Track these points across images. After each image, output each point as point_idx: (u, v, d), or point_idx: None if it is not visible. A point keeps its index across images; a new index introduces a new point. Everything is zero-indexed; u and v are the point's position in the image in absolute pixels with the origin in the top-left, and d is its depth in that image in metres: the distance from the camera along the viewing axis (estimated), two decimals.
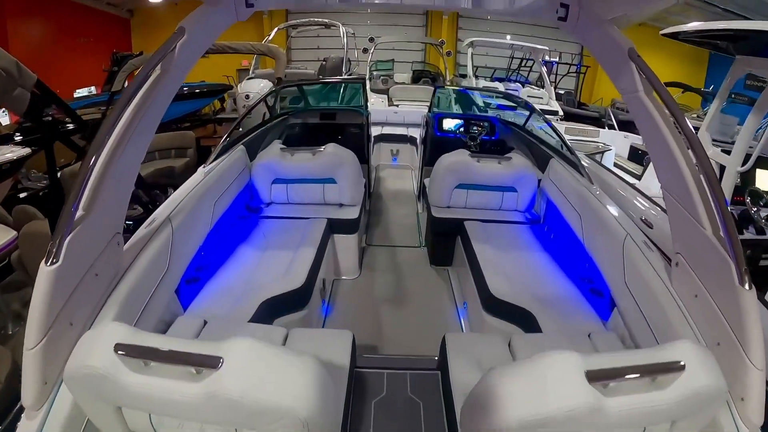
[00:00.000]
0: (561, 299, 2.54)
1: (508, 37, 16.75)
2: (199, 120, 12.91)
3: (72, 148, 4.46)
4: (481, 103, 6.17)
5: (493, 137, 4.60)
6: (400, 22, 17.52)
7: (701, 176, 1.68)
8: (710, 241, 1.63)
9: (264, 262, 2.86)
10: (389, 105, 9.33)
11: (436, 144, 4.71)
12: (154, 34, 17.86)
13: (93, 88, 11.06)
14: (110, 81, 10.70)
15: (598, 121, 10.65)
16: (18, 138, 4.21)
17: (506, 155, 3.67)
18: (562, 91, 14.30)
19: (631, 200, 3.14)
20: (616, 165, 5.97)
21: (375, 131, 6.37)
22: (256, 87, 6.76)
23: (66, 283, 1.46)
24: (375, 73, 12.17)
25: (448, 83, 10.78)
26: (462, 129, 4.62)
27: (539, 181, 3.66)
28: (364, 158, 4.60)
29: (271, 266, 2.78)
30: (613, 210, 2.61)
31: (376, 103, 9.31)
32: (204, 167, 2.96)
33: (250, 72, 10.15)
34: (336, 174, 3.56)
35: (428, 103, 9.89)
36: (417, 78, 12.27)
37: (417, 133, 6.29)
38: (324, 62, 11.41)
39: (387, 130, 6.66)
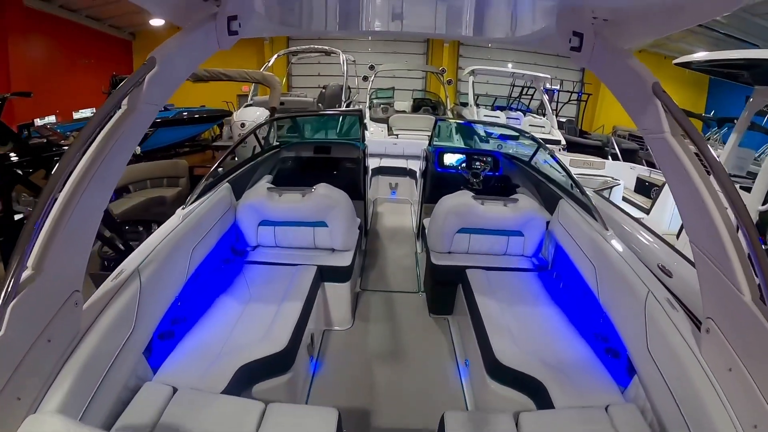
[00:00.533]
0: (573, 363, 2.26)
1: (510, 65, 16.80)
2: (199, 146, 12.82)
3: (32, 189, 4.19)
4: (483, 135, 5.95)
5: (496, 173, 4.35)
6: (401, 50, 17.59)
7: (739, 234, 1.45)
8: (749, 308, 1.41)
9: (245, 317, 2.58)
10: (389, 134, 9.17)
11: (436, 180, 4.45)
12: None
13: (93, 110, 10.99)
14: None
15: (602, 150, 10.49)
16: None
17: (512, 196, 3.40)
18: (563, 119, 14.23)
19: (645, 243, 2.88)
20: (623, 198, 5.73)
21: (373, 163, 6.18)
22: (252, 115, 6.59)
23: (12, 353, 1.31)
24: (375, 101, 12.10)
25: (449, 112, 10.66)
26: (464, 164, 4.36)
27: (547, 223, 3.41)
28: (360, 194, 4.37)
29: (253, 322, 2.51)
30: (631, 261, 2.34)
31: (375, 133, 9.15)
32: (183, 208, 2.68)
33: (249, 99, 10.06)
34: (327, 217, 3.27)
35: (429, 133, 9.83)
36: (417, 106, 12.18)
37: (417, 166, 6.09)
38: (323, 90, 11.32)
39: (386, 162, 6.46)
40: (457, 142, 5.79)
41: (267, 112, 6.77)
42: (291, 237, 3.33)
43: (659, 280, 2.19)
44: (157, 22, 16.46)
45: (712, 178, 1.56)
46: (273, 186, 3.43)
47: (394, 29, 2.37)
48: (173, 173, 6.16)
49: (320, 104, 10.77)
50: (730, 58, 3.25)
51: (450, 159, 4.43)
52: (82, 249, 1.65)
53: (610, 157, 9.46)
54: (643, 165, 10.23)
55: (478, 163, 4.31)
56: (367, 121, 9.30)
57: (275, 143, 4.62)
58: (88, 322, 1.69)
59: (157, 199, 5.77)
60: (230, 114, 10.29)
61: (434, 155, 4.45)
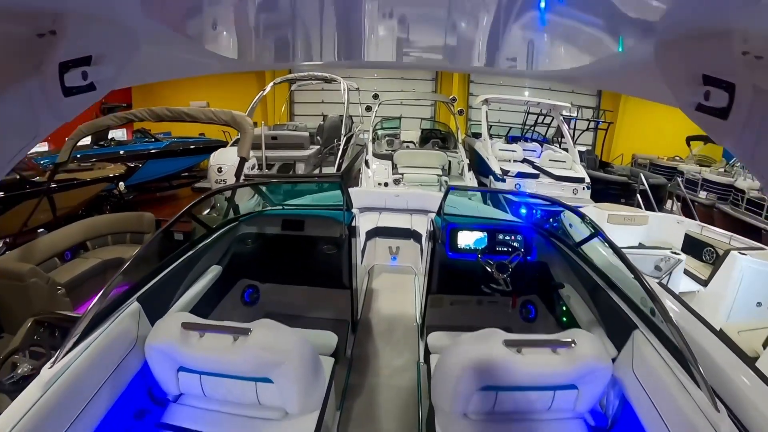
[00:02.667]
0: None
1: (527, 93, 15.93)
2: (195, 178, 12.09)
3: None
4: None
5: (528, 257, 3.23)
6: (408, 76, 16.83)
7: None
8: None
9: None
10: (393, 172, 8.26)
11: (447, 269, 3.37)
12: (153, 83, 17.42)
13: (89, 139, 10.22)
14: (101, 132, 9.97)
15: (628, 187, 9.45)
16: None
17: (566, 336, 2.05)
18: (582, 149, 13.23)
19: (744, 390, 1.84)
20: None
21: (370, 221, 5.28)
22: (232, 158, 5.68)
23: None
24: (380, 131, 11.23)
25: (460, 144, 9.75)
26: (485, 247, 3.29)
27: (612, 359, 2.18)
28: (345, 283, 3.43)
29: None
30: None
31: (378, 171, 8.25)
32: (50, 366, 1.67)
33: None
34: (272, 374, 2.03)
35: (437, 172, 8.93)
36: (426, 138, 11.31)
37: (423, 226, 5.15)
38: (322, 121, 10.49)
39: (386, 219, 5.54)
40: (473, 206, 4.82)
41: (251, 153, 5.89)
42: (225, 390, 2.14)
43: None
44: None
45: None
46: (191, 321, 2.09)
47: (384, 59, 1.92)
48: (137, 228, 5.28)
49: (318, 137, 9.93)
50: None
51: (466, 239, 3.34)
52: None
53: (638, 195, 8.45)
54: (675, 201, 9.26)
55: (504, 246, 3.26)
56: (369, 157, 8.41)
57: (223, 221, 3.56)
58: None
59: (114, 261, 4.87)
60: (226, 145, 9.45)
61: (445, 233, 3.36)
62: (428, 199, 5.65)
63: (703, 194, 12.05)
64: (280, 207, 3.86)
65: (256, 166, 5.98)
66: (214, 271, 2.93)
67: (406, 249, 5.08)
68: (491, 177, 7.36)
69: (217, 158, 5.55)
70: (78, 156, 8.96)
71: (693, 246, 5.32)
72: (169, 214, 5.18)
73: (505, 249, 3.23)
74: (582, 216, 2.92)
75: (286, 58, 1.98)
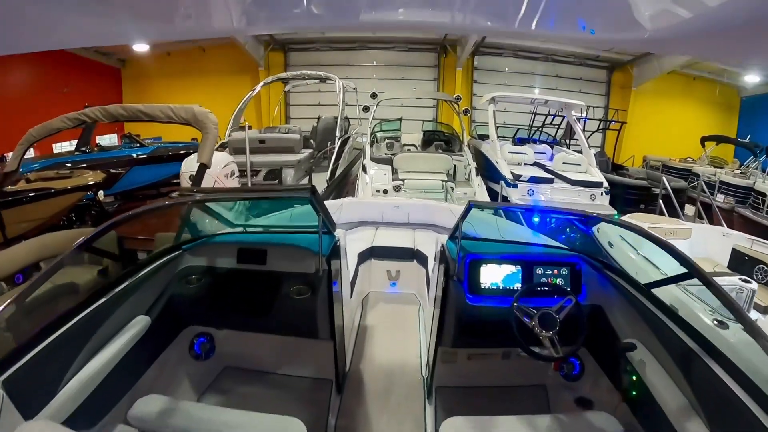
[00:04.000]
0: None
1: (537, 91, 15.22)
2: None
3: None
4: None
5: (579, 295, 2.37)
6: (408, 76, 16.12)
7: None
8: None
9: None
10: (393, 178, 7.53)
11: (465, 319, 2.45)
12: (145, 84, 17.03)
13: (74, 143, 9.83)
14: (85, 138, 9.28)
15: (648, 192, 8.71)
16: None
17: None
18: (593, 151, 12.44)
19: None
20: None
21: (363, 241, 4.50)
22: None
23: None
24: (379, 134, 10.50)
25: (466, 147, 9.02)
26: (519, 286, 2.41)
27: None
28: (326, 334, 2.60)
29: None
30: None
31: (376, 177, 7.52)
32: None
33: (227, 133, 8.46)
34: None
35: (442, 177, 7.86)
36: (429, 141, 10.56)
37: (428, 245, 4.38)
38: (315, 123, 9.77)
39: (384, 237, 4.71)
40: (492, 222, 3.93)
41: (229, 158, 5.16)
42: None
43: None
44: (140, 47, 15.34)
45: None
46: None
47: (389, 18, 1.31)
48: (98, 246, 4.52)
49: (312, 140, 9.21)
50: None
51: (493, 275, 2.42)
52: None
53: (660, 201, 7.72)
54: (697, 207, 8.52)
55: (546, 285, 2.37)
56: (366, 161, 7.69)
57: (173, 243, 2.77)
58: None
59: (67, 287, 4.12)
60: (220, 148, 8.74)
61: (463, 267, 2.43)
62: (434, 211, 4.91)
63: (720, 197, 11.35)
64: (240, 229, 3.01)
65: (236, 173, 5.25)
66: (136, 327, 2.13)
67: (407, 273, 4.33)
68: (502, 183, 6.65)
69: (189, 165, 4.80)
70: (50, 164, 8.31)
71: (741, 263, 4.58)
72: (154, 224, 4.45)
73: (547, 289, 2.38)
74: (665, 244, 2.02)
75: (248, 20, 1.21)
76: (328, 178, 6.94)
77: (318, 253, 2.41)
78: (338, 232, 2.75)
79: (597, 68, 16.91)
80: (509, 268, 2.44)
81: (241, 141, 6.58)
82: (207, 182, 4.78)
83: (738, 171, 12.83)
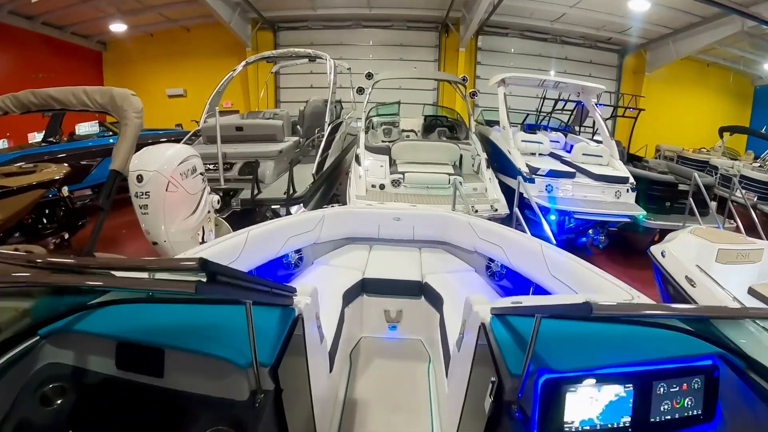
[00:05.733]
0: None
1: (552, 72, 14.20)
2: None
3: None
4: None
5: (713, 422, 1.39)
6: (407, 56, 15.02)
7: None
8: None
9: None
10: (391, 171, 6.53)
11: None
12: (128, 68, 16.02)
13: (39, 136, 8.75)
14: (53, 127, 8.29)
15: (675, 188, 7.73)
16: None
17: None
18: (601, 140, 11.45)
19: None
20: None
21: (352, 270, 3.46)
22: (158, 161, 3.83)
23: None
24: (375, 119, 9.45)
25: (473, 134, 8.01)
26: (629, 419, 1.33)
27: None
28: None
29: None
30: None
31: (372, 168, 6.52)
32: None
33: (202, 119, 7.41)
34: None
35: (448, 169, 6.67)
36: (430, 126, 9.52)
37: (443, 276, 3.41)
38: (303, 107, 8.71)
39: (379, 261, 3.68)
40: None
41: (189, 152, 4.13)
42: None
43: None
44: (120, 27, 14.22)
45: None
46: None
47: None
48: None
49: (299, 126, 8.17)
50: None
51: (585, 406, 1.31)
52: None
53: (691, 199, 6.78)
54: (728, 206, 7.61)
55: (666, 411, 1.32)
56: (360, 150, 6.68)
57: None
58: None
59: None
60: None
61: (532, 391, 1.30)
62: (447, 225, 3.92)
63: (739, 192, 10.43)
64: (127, 298, 1.67)
65: (200, 170, 4.20)
66: None
67: (412, 312, 3.34)
68: (520, 178, 5.67)
69: (138, 161, 3.75)
70: (13, 158, 7.36)
71: None
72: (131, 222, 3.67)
73: (670, 417, 1.37)
74: None
75: None
76: (314, 171, 5.93)
77: (245, 367, 1.32)
78: (302, 296, 1.75)
79: (608, 51, 15.92)
80: (614, 391, 1.36)
81: (211, 129, 5.59)
82: (156, 185, 3.78)
83: (757, 164, 11.91)
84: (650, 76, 15.80)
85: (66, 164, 6.85)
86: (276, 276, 3.58)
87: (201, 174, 4.22)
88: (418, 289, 3.34)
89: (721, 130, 13.43)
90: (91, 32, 15.13)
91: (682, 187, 7.54)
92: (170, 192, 3.80)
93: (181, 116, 12.03)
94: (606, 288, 2.25)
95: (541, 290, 2.96)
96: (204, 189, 4.28)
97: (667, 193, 7.59)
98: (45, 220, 6.39)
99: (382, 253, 3.86)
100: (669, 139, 15.32)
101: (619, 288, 2.19)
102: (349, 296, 3.13)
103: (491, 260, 3.69)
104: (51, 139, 8.51)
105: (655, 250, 4.06)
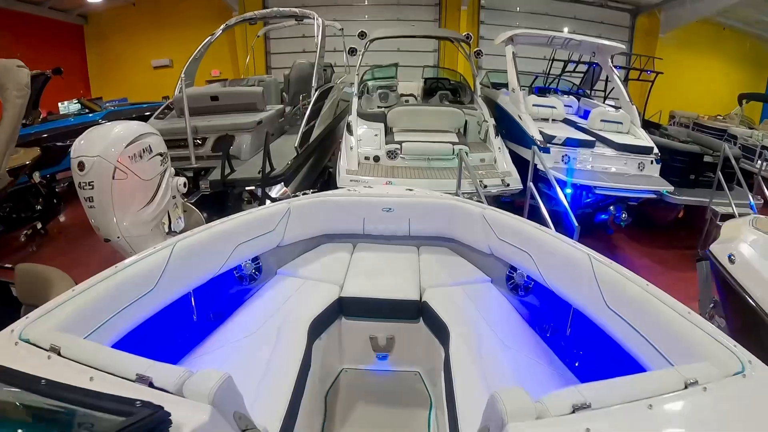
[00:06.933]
0: None
1: (566, 29, 13.25)
2: None
3: None
4: None
5: None
6: (404, 16, 14.01)
7: None
8: None
9: None
10: (387, 140, 5.77)
11: None
12: (111, 42, 15.23)
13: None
14: (26, 109, 7.53)
15: (700, 159, 6.96)
16: None
17: None
18: (611, 104, 10.54)
19: None
20: None
21: (325, 286, 2.70)
22: (99, 146, 2.99)
23: None
24: (370, 83, 8.60)
25: (478, 98, 7.21)
26: None
27: None
28: None
29: None
30: None
31: (365, 137, 5.77)
32: None
33: (176, 89, 6.54)
34: None
35: (452, 137, 5.85)
36: (431, 90, 8.67)
37: (448, 291, 2.67)
38: (288, 72, 7.85)
39: (364, 270, 2.89)
40: None
41: (144, 129, 3.36)
42: None
43: None
44: None
45: None
46: None
47: None
48: None
49: (284, 93, 7.35)
50: None
51: None
52: None
53: (720, 173, 6.03)
54: (757, 181, 6.89)
55: None
56: (352, 118, 5.91)
57: None
58: None
59: None
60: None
61: None
62: (452, 215, 3.13)
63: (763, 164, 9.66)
64: None
65: (158, 151, 3.42)
66: None
67: (407, 338, 2.59)
68: (535, 148, 4.94)
69: (79, 146, 3.02)
70: None
71: None
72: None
73: None
74: None
75: None
76: (297, 143, 5.16)
77: None
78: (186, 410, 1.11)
79: (620, 11, 14.98)
80: None
81: (188, 99, 4.84)
82: (100, 173, 3.07)
83: None
84: (664, 38, 14.93)
85: (38, 148, 6.25)
86: (225, 296, 2.77)
87: (160, 155, 3.48)
88: (415, 311, 2.56)
89: (741, 97, 12.57)
90: (70, 6, 14.27)
91: (706, 158, 6.81)
92: (118, 180, 3.11)
93: (168, 88, 11.30)
94: (713, 353, 1.42)
95: (583, 320, 2.19)
96: (164, 172, 3.55)
97: (692, 165, 6.84)
98: (20, 210, 5.97)
99: (368, 255, 3.09)
100: (682, 105, 14.53)
101: (732, 355, 1.38)
102: (319, 326, 2.38)
103: (513, 267, 2.88)
104: (24, 121, 7.79)
105: (718, 252, 3.16)
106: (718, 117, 13.18)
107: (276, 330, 2.18)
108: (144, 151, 3.33)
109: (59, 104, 10.11)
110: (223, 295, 2.75)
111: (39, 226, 6.04)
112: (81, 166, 3.03)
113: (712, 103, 14.48)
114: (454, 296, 2.60)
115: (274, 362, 1.91)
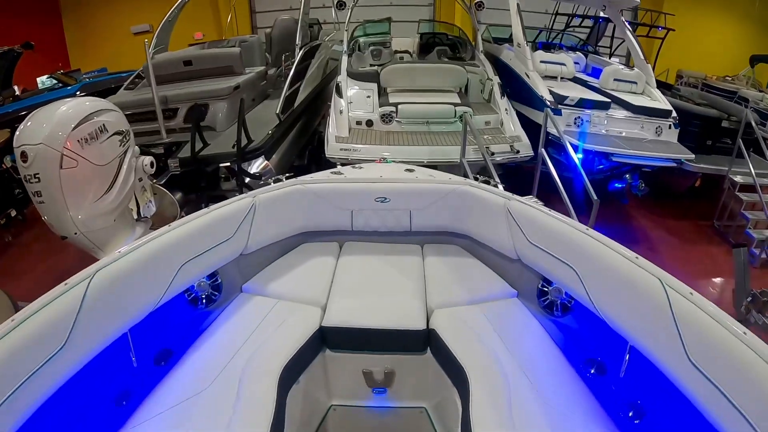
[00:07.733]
0: None
1: None
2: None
3: None
4: None
5: None
6: None
7: None
8: None
9: None
10: (381, 102, 5.20)
11: None
12: (89, 10, 13.98)
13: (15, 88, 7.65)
14: None
15: (717, 124, 6.45)
16: None
17: None
18: (617, 61, 9.91)
19: None
20: None
21: (308, 307, 2.14)
22: (42, 131, 2.44)
23: None
24: (362, 40, 7.90)
25: (480, 54, 6.58)
26: None
27: None
28: None
29: None
30: None
31: (356, 99, 5.20)
32: None
33: (148, 55, 5.90)
34: None
35: (454, 100, 5.25)
36: (427, 46, 8.00)
37: (451, 308, 2.14)
38: (269, 30, 7.14)
39: (347, 288, 2.28)
40: None
41: (98, 105, 2.80)
42: None
43: None
44: None
45: None
46: None
47: None
48: None
49: (267, 53, 6.67)
50: None
51: None
52: None
53: (740, 140, 5.56)
54: None
55: None
56: (342, 79, 5.32)
57: None
58: None
59: None
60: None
61: None
62: (462, 202, 2.54)
63: None
64: None
65: (115, 130, 2.86)
66: None
67: (410, 370, 2.07)
68: (548, 110, 4.42)
69: (21, 133, 2.47)
70: None
71: None
72: None
73: None
74: None
75: None
76: (279, 110, 4.58)
77: None
78: None
79: None
80: None
81: (159, 66, 4.24)
82: (45, 162, 2.58)
83: None
84: None
85: (8, 130, 5.70)
86: (173, 327, 2.19)
87: (119, 133, 2.93)
88: (420, 342, 2.03)
89: (753, 59, 11.94)
90: None
91: (724, 123, 6.33)
92: (67, 169, 2.63)
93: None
94: None
95: (644, 361, 1.62)
96: (125, 153, 3.01)
97: (709, 130, 6.35)
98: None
99: (358, 259, 2.52)
100: (688, 64, 13.93)
101: None
102: (295, 367, 1.86)
103: (546, 280, 2.29)
104: None
105: None
106: (727, 78, 12.61)
107: (239, 375, 1.69)
108: (98, 132, 2.79)
109: (38, 80, 9.35)
110: (171, 326, 2.18)
111: (14, 213, 5.50)
112: (24, 156, 2.55)
113: (721, 64, 13.86)
114: (471, 319, 2.07)
115: (238, 420, 1.46)
